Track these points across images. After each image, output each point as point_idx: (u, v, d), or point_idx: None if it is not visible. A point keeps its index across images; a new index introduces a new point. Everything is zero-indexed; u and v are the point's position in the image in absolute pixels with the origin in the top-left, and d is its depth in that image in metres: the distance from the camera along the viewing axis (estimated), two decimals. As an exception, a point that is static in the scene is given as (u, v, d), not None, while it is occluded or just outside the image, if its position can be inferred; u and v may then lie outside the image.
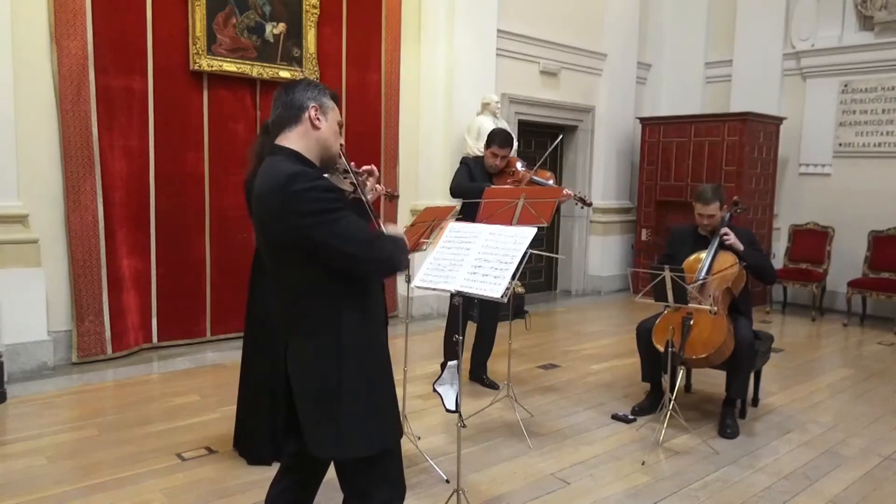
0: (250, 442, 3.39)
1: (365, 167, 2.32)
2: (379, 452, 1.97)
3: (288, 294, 1.97)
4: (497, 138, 4.57)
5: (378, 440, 1.96)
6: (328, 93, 2.03)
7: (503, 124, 6.70)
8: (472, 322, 4.89)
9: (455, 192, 4.58)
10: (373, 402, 1.96)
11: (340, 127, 2.07)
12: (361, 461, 1.96)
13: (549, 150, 5.21)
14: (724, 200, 4.13)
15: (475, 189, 4.33)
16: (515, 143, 6.87)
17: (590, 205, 4.75)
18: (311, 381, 1.93)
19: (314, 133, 1.97)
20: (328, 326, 1.91)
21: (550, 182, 4.69)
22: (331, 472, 2.10)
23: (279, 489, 2.17)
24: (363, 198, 2.21)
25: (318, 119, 1.97)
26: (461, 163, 4.77)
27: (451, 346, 4.57)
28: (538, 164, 4.80)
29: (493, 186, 4.40)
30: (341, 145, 2.09)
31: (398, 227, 2.20)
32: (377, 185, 2.37)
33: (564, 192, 4.44)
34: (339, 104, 2.07)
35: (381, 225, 2.17)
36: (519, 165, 4.70)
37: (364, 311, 1.97)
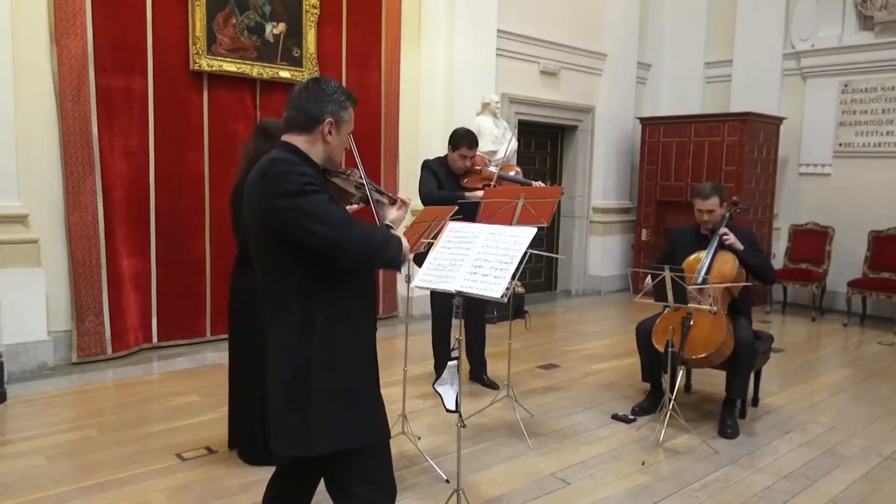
0: (247, 443, 3.37)
1: (400, 196, 2.22)
2: (358, 450, 1.94)
3: (270, 286, 1.97)
4: (465, 140, 4.47)
5: (348, 438, 1.92)
6: (349, 102, 2.00)
7: (503, 124, 6.71)
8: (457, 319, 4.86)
9: (427, 200, 4.37)
10: (345, 398, 1.93)
11: (351, 135, 2.06)
12: (341, 459, 1.94)
13: (508, 143, 5.19)
14: (723, 197, 4.14)
15: (448, 198, 4.18)
16: (515, 144, 6.89)
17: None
18: (282, 375, 1.93)
19: (322, 146, 1.98)
20: (303, 320, 1.90)
21: (516, 172, 4.68)
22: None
23: (276, 490, 2.16)
24: (393, 221, 2.16)
25: (330, 134, 1.97)
26: (424, 167, 4.60)
27: (440, 346, 4.57)
28: (500, 159, 4.78)
29: (492, 188, 4.39)
30: (359, 158, 2.08)
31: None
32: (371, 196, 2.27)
33: (535, 184, 4.40)
34: (356, 106, 2.04)
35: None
36: (486, 164, 4.66)
37: (342, 305, 1.95)
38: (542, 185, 4.50)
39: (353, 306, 1.99)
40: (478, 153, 4.66)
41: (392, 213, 2.16)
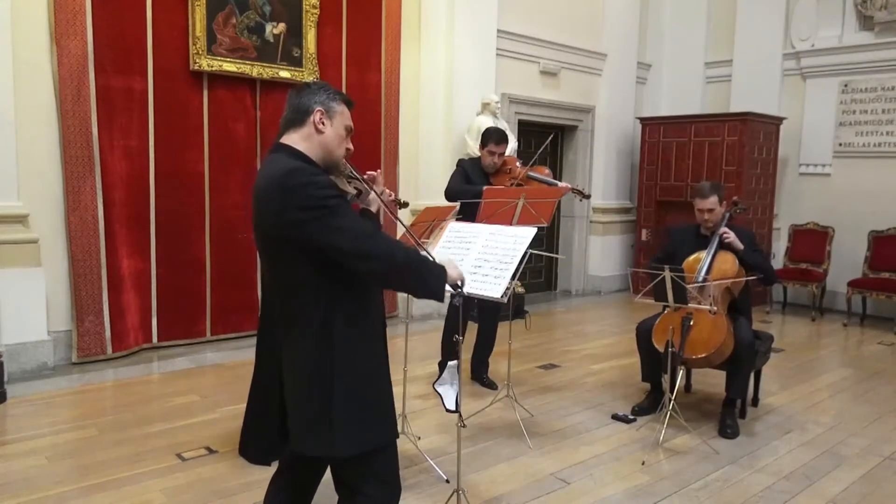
0: (258, 442, 3.36)
1: (368, 173, 2.26)
2: (373, 450, 1.96)
3: (283, 291, 1.97)
4: (493, 136, 4.55)
5: (370, 439, 1.95)
6: (339, 98, 2.02)
7: (503, 124, 6.70)
8: (472, 322, 4.89)
9: (449, 195, 4.52)
10: (365, 400, 1.95)
11: (349, 132, 2.05)
12: (355, 459, 1.96)
13: (543, 147, 5.22)
14: (722, 196, 4.14)
15: (469, 191, 4.30)
16: (515, 143, 6.88)
17: (588, 196, 4.74)
18: (303, 380, 1.93)
19: (317, 137, 1.98)
20: (321, 324, 1.90)
21: (547, 176, 4.69)
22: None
23: (277, 487, 2.17)
24: (369, 205, 2.18)
25: (321, 123, 1.97)
26: (457, 165, 4.75)
27: (449, 346, 4.57)
28: (533, 161, 4.79)
29: (490, 186, 4.39)
30: (348, 150, 2.08)
31: (443, 255, 2.12)
32: (385, 190, 2.29)
33: (561, 185, 4.44)
34: (350, 108, 2.06)
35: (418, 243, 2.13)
36: (517, 164, 4.69)
37: (358, 309, 1.96)
38: (569, 186, 4.50)
39: (369, 306, 2.00)
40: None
41: (373, 201, 2.21)
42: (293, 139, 1.98)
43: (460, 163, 4.77)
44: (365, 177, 2.21)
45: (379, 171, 2.30)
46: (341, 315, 1.91)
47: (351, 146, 2.08)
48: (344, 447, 1.91)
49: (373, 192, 2.19)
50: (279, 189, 1.84)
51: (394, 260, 1.88)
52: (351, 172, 2.14)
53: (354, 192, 2.17)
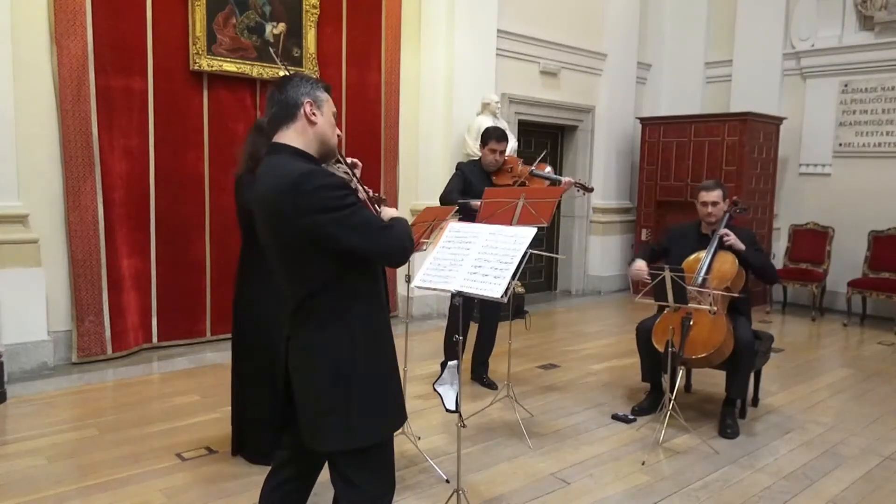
0: (252, 440, 3.37)
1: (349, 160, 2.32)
2: (373, 445, 1.98)
3: (298, 292, 1.97)
4: (493, 134, 4.56)
5: (384, 429, 2.00)
6: (321, 85, 2.03)
7: (503, 124, 6.70)
8: (473, 322, 4.89)
9: (443, 201, 4.49)
10: (383, 391, 1.98)
11: (335, 117, 2.07)
12: (356, 454, 1.96)
13: (545, 153, 5.23)
14: (726, 192, 4.16)
15: (459, 201, 4.29)
16: (515, 143, 6.88)
17: (591, 190, 4.74)
18: (322, 374, 1.94)
19: (311, 128, 1.98)
20: (340, 320, 1.92)
21: (549, 171, 4.69)
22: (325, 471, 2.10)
23: (275, 484, 2.16)
24: (359, 187, 2.20)
25: (313, 114, 1.97)
26: (456, 168, 4.73)
27: (451, 346, 4.57)
28: (539, 160, 4.79)
29: (491, 187, 4.39)
30: (338, 136, 2.09)
31: (394, 211, 2.17)
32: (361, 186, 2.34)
33: (564, 181, 4.44)
34: (330, 94, 2.06)
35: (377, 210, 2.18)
36: (518, 163, 4.69)
37: (373, 304, 2.00)
38: (571, 180, 4.52)
39: (380, 301, 2.04)
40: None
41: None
42: (288, 136, 1.96)
43: (459, 166, 4.76)
44: (349, 161, 2.25)
45: (357, 161, 2.35)
46: (358, 311, 1.94)
47: (340, 131, 2.09)
48: (362, 438, 1.94)
49: (354, 177, 2.24)
50: (293, 195, 1.83)
51: (404, 247, 1.97)
52: (338, 157, 2.17)
53: (347, 177, 2.18)
